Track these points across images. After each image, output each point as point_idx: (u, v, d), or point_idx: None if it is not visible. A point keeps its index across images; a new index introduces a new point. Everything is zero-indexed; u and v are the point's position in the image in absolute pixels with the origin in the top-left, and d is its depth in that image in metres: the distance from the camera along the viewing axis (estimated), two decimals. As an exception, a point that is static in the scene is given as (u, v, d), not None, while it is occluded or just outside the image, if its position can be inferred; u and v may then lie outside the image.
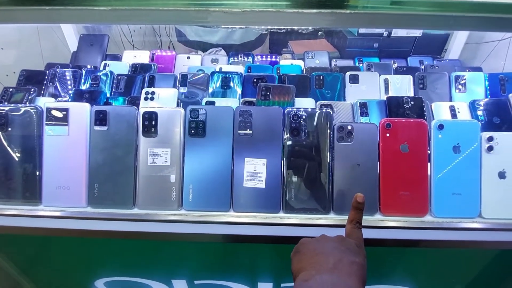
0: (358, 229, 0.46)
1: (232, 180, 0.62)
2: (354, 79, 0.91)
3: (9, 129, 0.63)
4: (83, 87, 0.93)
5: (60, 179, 0.63)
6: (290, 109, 0.63)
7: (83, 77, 0.94)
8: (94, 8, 0.53)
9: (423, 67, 1.11)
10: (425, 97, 0.79)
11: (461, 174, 0.61)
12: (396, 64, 1.16)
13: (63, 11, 0.54)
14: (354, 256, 0.41)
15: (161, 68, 1.08)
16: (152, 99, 0.79)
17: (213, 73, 0.91)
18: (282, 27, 1.18)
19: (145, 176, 0.62)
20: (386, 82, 0.91)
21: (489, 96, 0.88)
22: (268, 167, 0.62)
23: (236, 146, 0.62)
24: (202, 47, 1.39)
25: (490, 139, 0.61)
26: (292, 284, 0.40)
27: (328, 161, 0.61)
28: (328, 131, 0.62)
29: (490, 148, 0.61)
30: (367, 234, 0.47)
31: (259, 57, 1.16)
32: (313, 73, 0.91)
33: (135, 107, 0.63)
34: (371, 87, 0.91)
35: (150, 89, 0.80)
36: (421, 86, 0.90)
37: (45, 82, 0.94)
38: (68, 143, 0.63)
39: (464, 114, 0.79)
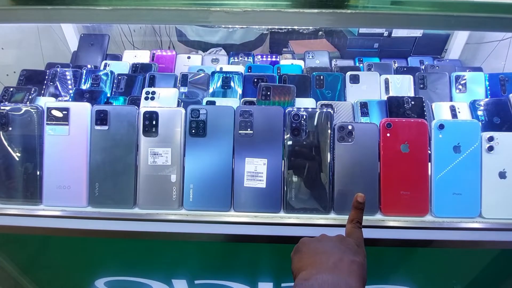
0: (358, 229, 0.47)
1: (232, 180, 0.62)
2: (355, 79, 0.91)
3: (10, 128, 0.63)
4: (84, 86, 0.93)
5: (61, 178, 0.63)
6: (291, 109, 0.63)
7: (83, 76, 0.94)
8: (96, 7, 0.53)
9: (423, 67, 1.11)
10: (425, 97, 0.79)
11: (461, 174, 0.61)
12: (396, 64, 1.16)
13: (65, 11, 0.54)
14: (354, 255, 0.41)
15: (162, 68, 1.09)
16: (152, 98, 0.79)
17: (213, 73, 0.91)
18: (283, 27, 1.18)
19: (146, 175, 0.62)
20: (386, 82, 0.91)
21: (489, 96, 0.89)
22: (269, 167, 0.62)
23: (236, 146, 0.62)
24: (203, 47, 1.39)
25: (491, 139, 0.61)
26: (293, 283, 0.40)
27: (328, 161, 0.61)
28: (329, 131, 0.62)
29: (490, 148, 0.61)
30: (367, 234, 0.47)
31: (259, 57, 1.16)
32: (314, 73, 0.92)
33: (136, 107, 0.63)
34: (371, 87, 0.91)
35: (151, 89, 0.80)
36: (421, 86, 0.91)
37: (45, 82, 0.94)
38: (68, 143, 0.63)
39: (464, 114, 0.79)
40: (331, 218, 0.61)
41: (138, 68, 1.03)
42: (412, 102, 0.77)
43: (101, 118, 0.62)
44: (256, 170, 0.62)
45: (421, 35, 1.25)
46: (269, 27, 1.28)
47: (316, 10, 0.52)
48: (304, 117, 0.62)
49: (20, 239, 0.69)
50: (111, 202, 0.63)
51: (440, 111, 0.80)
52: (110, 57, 1.13)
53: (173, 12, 0.53)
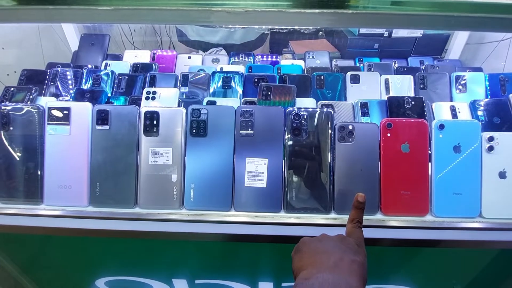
0: (358, 228, 0.47)
1: (233, 179, 0.62)
2: (355, 79, 0.91)
3: (11, 128, 0.63)
4: (85, 86, 0.93)
5: (62, 178, 0.63)
6: (291, 108, 0.63)
7: (84, 76, 0.94)
8: (97, 7, 0.53)
9: (423, 67, 1.11)
10: (425, 97, 0.79)
11: (461, 174, 0.61)
12: (396, 64, 1.16)
13: (66, 11, 0.54)
14: (354, 255, 0.41)
15: (162, 68, 1.09)
16: (153, 98, 0.79)
17: (214, 73, 0.92)
18: (284, 27, 1.18)
19: (147, 175, 0.62)
20: (386, 82, 0.91)
21: (489, 96, 0.89)
22: (269, 167, 0.62)
23: (237, 145, 0.62)
24: (203, 47, 1.39)
25: (491, 139, 0.61)
26: (293, 283, 0.40)
27: (329, 160, 0.62)
28: (329, 131, 0.62)
29: (490, 148, 0.61)
30: (367, 233, 0.47)
31: (260, 57, 1.16)
32: (314, 73, 0.92)
33: (137, 107, 0.63)
34: (371, 87, 0.91)
35: (151, 89, 0.81)
36: (421, 86, 0.91)
37: (46, 81, 0.94)
38: (69, 143, 0.63)
39: (464, 114, 0.79)
40: (332, 218, 0.61)
41: (138, 68, 1.03)
42: (413, 102, 0.77)
43: (102, 118, 0.63)
44: (256, 170, 0.62)
45: (421, 35, 1.25)
46: (270, 27, 1.28)
47: (317, 10, 0.53)
48: (305, 117, 0.62)
49: (20, 238, 0.69)
50: (112, 201, 0.63)
51: (440, 111, 0.80)
52: (110, 57, 1.13)
53: (174, 12, 0.54)
